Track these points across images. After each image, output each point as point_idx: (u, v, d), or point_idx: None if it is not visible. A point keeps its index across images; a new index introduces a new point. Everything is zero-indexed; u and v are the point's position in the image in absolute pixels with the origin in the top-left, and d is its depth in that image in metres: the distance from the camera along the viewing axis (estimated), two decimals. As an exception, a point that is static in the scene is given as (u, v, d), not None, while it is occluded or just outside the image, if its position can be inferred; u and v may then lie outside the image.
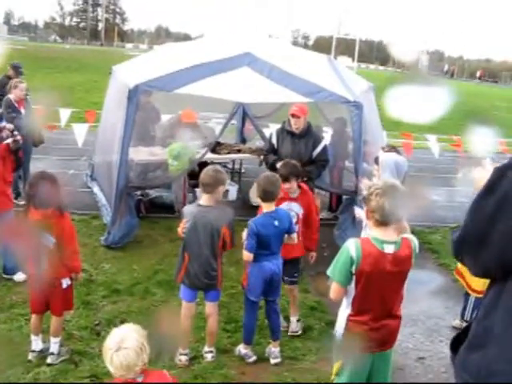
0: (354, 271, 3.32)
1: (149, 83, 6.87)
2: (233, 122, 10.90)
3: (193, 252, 4.58)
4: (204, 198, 4.60)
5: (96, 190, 9.04)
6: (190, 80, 6.71)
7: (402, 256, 3.36)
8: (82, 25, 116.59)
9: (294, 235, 4.87)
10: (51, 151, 11.67)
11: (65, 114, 11.76)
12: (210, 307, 4.75)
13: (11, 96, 8.28)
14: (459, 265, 5.40)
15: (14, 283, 5.94)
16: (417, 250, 3.48)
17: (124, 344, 2.70)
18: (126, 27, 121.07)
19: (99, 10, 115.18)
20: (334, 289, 3.44)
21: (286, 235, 4.79)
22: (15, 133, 5.80)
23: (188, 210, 4.70)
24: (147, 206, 8.45)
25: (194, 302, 4.74)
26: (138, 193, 8.24)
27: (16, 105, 8.26)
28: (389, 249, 3.32)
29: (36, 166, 9.67)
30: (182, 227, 4.61)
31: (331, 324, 5.45)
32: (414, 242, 3.50)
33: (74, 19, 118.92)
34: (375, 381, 3.55)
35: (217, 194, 4.59)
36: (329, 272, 3.43)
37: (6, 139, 5.70)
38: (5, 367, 4.43)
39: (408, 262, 3.42)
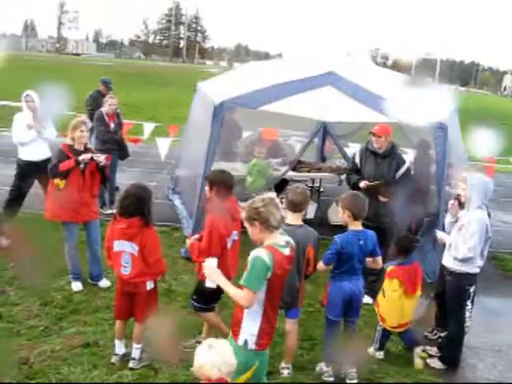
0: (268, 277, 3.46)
1: (234, 100, 7.02)
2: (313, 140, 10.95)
3: None
4: (291, 217, 4.58)
5: (177, 202, 9.26)
6: (274, 98, 6.81)
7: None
8: (164, 42, 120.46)
9: (379, 259, 4.80)
10: (135, 164, 12.10)
11: (148, 128, 12.20)
12: (290, 324, 4.76)
13: (103, 109, 8.68)
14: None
15: (98, 289, 6.20)
16: None
17: (215, 344, 2.79)
18: (207, 45, 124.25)
19: (182, 28, 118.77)
20: (250, 297, 3.41)
21: (371, 259, 4.74)
22: (98, 155, 6.07)
23: None
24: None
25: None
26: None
27: (107, 118, 8.64)
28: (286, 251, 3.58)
29: (120, 177, 10.10)
30: None
31: (409, 348, 5.37)
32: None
33: (158, 37, 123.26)
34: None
35: (302, 213, 4.62)
36: (243, 282, 3.44)
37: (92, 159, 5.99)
38: (90, 368, 4.62)
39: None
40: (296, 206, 4.56)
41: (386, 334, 5.35)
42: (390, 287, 5.14)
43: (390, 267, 5.22)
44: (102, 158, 6.08)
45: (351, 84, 6.94)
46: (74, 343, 4.96)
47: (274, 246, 3.50)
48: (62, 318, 5.48)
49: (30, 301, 5.79)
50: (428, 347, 5.46)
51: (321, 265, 4.72)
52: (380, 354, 5.39)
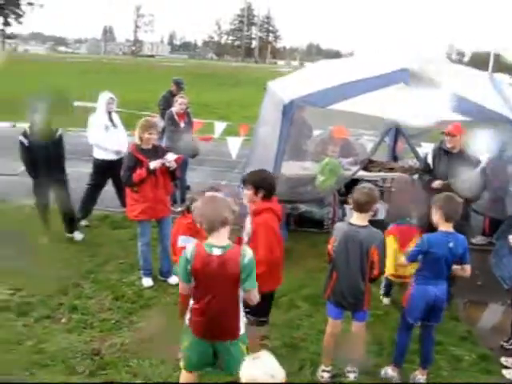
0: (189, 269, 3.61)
1: (303, 98, 6.95)
2: (384, 139, 10.71)
3: (341, 271, 4.52)
4: (356, 217, 4.51)
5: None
6: (345, 96, 6.69)
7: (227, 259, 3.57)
8: (237, 43, 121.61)
9: (468, 266, 4.60)
10: (206, 162, 12.25)
11: (220, 127, 12.32)
12: (356, 326, 4.67)
13: (174, 109, 8.84)
14: None
15: (168, 285, 6.31)
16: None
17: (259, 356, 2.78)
18: (279, 45, 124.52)
19: (254, 28, 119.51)
20: (181, 286, 3.78)
21: (459, 266, 4.59)
22: (168, 160, 6.17)
23: (339, 227, 4.64)
24: (296, 220, 8.54)
25: (340, 320, 4.68)
26: (289, 206, 8.36)
27: (177, 118, 8.80)
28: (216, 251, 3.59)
29: (191, 175, 10.26)
30: (332, 244, 4.58)
31: (483, 357, 5.15)
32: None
33: (230, 38, 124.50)
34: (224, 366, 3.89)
35: (369, 213, 4.52)
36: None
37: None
38: (157, 363, 4.71)
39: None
40: (361, 206, 4.47)
41: (387, 283, 6.15)
42: (387, 243, 5.13)
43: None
44: (172, 163, 6.17)
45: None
46: (144, 337, 5.08)
47: (203, 243, 3.63)
48: (132, 313, 5.62)
49: (102, 295, 5.98)
50: (503, 358, 5.20)
51: (403, 260, 4.66)
52: (387, 300, 6.13)
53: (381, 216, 8.47)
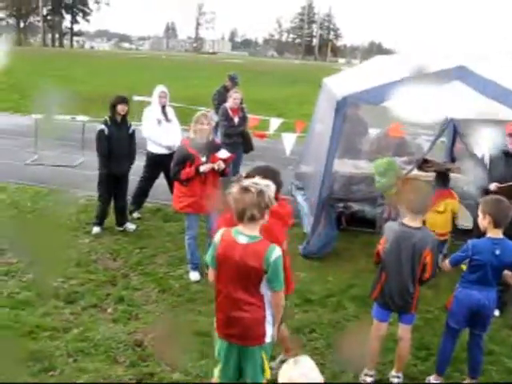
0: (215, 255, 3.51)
1: (357, 95, 6.79)
2: (443, 139, 10.37)
3: (391, 272, 4.36)
4: (410, 218, 4.32)
5: (299, 199, 9.20)
6: (398, 93, 6.46)
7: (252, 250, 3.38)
8: (297, 41, 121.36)
9: None
10: (260, 158, 12.19)
11: (275, 123, 12.23)
12: (403, 330, 4.49)
13: (227, 104, 8.83)
14: None
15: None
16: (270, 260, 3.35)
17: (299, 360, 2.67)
18: (340, 43, 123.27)
19: (314, 26, 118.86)
20: (209, 271, 3.71)
21: (510, 273, 4.36)
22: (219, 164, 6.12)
23: (390, 227, 4.45)
24: (348, 219, 8.38)
25: (386, 322, 4.52)
26: (341, 205, 8.22)
27: (230, 113, 8.78)
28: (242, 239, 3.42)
29: (245, 171, 10.23)
30: (383, 245, 4.42)
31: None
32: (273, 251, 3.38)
33: (291, 35, 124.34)
34: (245, 376, 3.64)
35: (423, 215, 4.35)
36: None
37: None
38: (198, 357, 4.69)
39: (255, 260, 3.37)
40: (417, 207, 4.28)
41: None
42: None
43: None
44: (221, 165, 6.13)
45: (481, 79, 6.41)
46: (187, 331, 5.07)
47: (231, 229, 3.49)
48: (177, 306, 5.63)
49: (149, 287, 6.02)
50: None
51: (446, 264, 4.46)
52: None
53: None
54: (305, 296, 5.99)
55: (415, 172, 7.85)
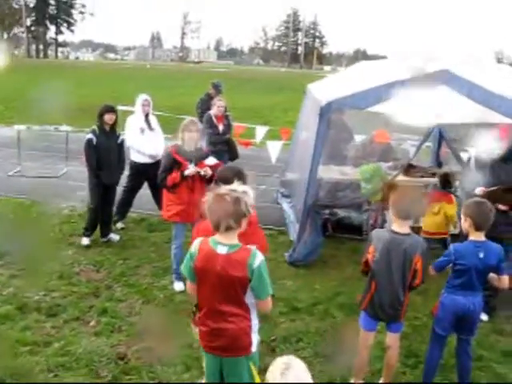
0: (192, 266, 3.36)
1: (341, 101, 6.75)
2: (428, 144, 10.36)
3: (381, 281, 4.26)
4: (399, 225, 4.22)
5: (285, 206, 9.15)
6: (383, 98, 6.44)
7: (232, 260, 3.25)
8: (283, 49, 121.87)
9: (505, 277, 4.28)
10: (246, 167, 11.98)
11: (261, 131, 12.18)
12: (391, 338, 4.41)
13: (212, 112, 8.77)
14: None
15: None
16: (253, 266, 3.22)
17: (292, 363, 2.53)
18: (325, 50, 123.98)
19: (300, 34, 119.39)
20: (187, 284, 3.57)
21: (496, 276, 4.30)
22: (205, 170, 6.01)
23: (378, 235, 4.32)
24: (334, 226, 8.33)
25: (373, 332, 4.44)
26: (326, 211, 8.16)
27: (215, 121, 8.71)
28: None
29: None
30: (372, 254, 4.31)
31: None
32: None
33: (276, 43, 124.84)
34: None
35: (411, 220, 4.28)
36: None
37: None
38: (183, 370, 4.58)
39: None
40: (405, 213, 4.19)
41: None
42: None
43: None
44: (207, 172, 6.00)
45: (467, 82, 6.40)
46: (171, 343, 4.97)
47: (208, 239, 3.35)
48: (161, 317, 5.52)
49: (133, 298, 5.91)
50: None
51: (431, 269, 4.39)
52: None
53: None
54: (291, 304, 5.91)
55: (401, 177, 7.83)
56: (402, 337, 4.86)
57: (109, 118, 7.05)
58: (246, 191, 3.33)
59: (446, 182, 7.12)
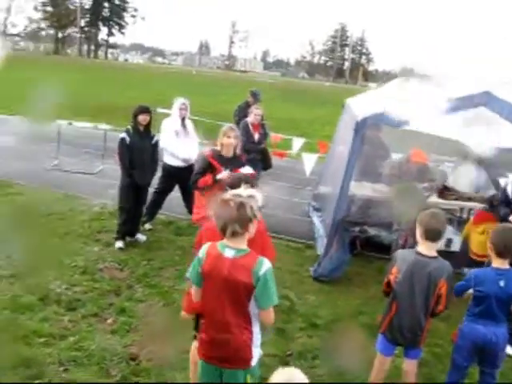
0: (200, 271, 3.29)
1: (377, 117, 6.64)
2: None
3: (403, 304, 4.13)
4: (426, 246, 4.09)
5: (315, 220, 9.05)
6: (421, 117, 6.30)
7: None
8: (329, 63, 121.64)
9: None
10: (280, 177, 12.10)
11: (298, 143, 12.13)
12: (408, 364, 4.27)
13: (249, 120, 8.75)
14: None
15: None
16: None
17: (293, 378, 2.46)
18: (371, 67, 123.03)
19: (347, 50, 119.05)
20: (193, 290, 3.45)
21: None
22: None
23: (403, 256, 4.21)
24: (363, 244, 8.18)
25: (390, 357, 4.30)
26: (356, 229, 8.03)
27: (251, 129, 8.68)
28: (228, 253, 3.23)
29: (264, 190, 10.09)
30: (395, 275, 4.18)
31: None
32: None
33: (323, 58, 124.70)
34: None
35: (438, 243, 4.14)
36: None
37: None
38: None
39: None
40: (434, 235, 4.06)
41: None
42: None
43: None
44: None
45: (507, 104, 6.20)
46: (185, 348, 4.91)
47: (217, 243, 3.30)
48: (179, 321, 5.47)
49: (153, 299, 5.89)
50: None
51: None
52: None
53: (455, 247, 7.98)
54: (310, 320, 5.80)
55: (435, 199, 7.66)
56: (422, 364, 4.72)
57: (143, 118, 7.09)
58: (252, 195, 3.29)
59: (492, 203, 6.91)
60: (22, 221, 7.77)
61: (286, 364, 4.82)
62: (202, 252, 3.33)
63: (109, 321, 5.32)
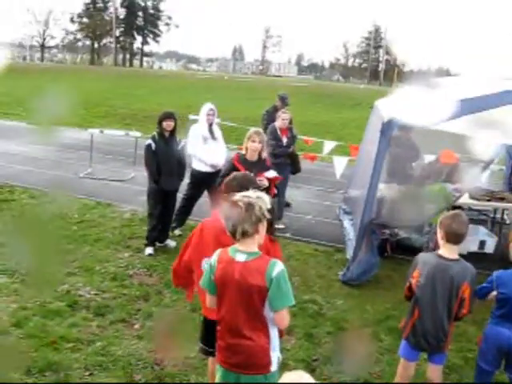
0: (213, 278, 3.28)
1: (403, 118, 6.54)
2: (502, 167, 9.92)
3: (425, 308, 4.05)
4: (448, 249, 4.00)
5: (346, 223, 8.96)
6: (449, 117, 6.18)
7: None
8: (363, 65, 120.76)
9: None
10: (311, 181, 12.05)
11: (329, 145, 12.06)
12: (433, 370, 4.16)
13: (276, 124, 8.73)
14: None
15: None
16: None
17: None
18: (406, 68, 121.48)
19: (381, 51, 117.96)
20: (207, 297, 3.42)
21: None
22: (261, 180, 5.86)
23: (424, 259, 4.14)
24: (393, 247, 8.06)
25: (414, 362, 4.21)
26: (387, 231, 7.92)
27: (279, 133, 8.66)
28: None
29: (295, 193, 10.09)
30: (416, 279, 4.10)
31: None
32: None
33: (357, 60, 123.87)
34: None
35: (460, 245, 4.05)
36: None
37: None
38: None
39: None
40: (456, 237, 3.96)
41: None
42: None
43: None
44: (263, 182, 5.89)
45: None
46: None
47: (227, 249, 3.27)
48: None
49: (181, 305, 5.91)
50: None
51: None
52: None
53: (489, 249, 7.81)
54: (339, 324, 5.73)
55: (468, 200, 7.52)
56: (452, 369, 4.63)
57: (167, 124, 7.16)
58: (260, 196, 3.27)
59: None
60: (55, 228, 7.93)
61: (312, 370, 4.78)
62: (213, 259, 3.31)
63: (136, 326, 5.36)
